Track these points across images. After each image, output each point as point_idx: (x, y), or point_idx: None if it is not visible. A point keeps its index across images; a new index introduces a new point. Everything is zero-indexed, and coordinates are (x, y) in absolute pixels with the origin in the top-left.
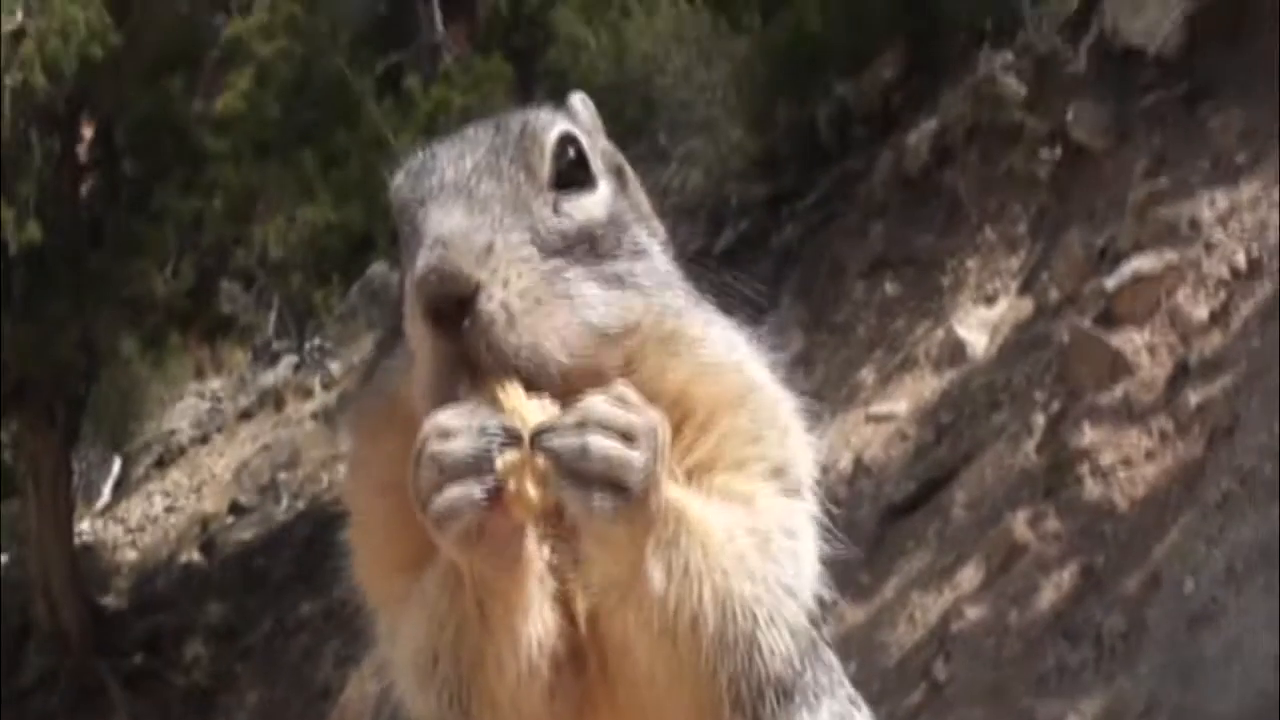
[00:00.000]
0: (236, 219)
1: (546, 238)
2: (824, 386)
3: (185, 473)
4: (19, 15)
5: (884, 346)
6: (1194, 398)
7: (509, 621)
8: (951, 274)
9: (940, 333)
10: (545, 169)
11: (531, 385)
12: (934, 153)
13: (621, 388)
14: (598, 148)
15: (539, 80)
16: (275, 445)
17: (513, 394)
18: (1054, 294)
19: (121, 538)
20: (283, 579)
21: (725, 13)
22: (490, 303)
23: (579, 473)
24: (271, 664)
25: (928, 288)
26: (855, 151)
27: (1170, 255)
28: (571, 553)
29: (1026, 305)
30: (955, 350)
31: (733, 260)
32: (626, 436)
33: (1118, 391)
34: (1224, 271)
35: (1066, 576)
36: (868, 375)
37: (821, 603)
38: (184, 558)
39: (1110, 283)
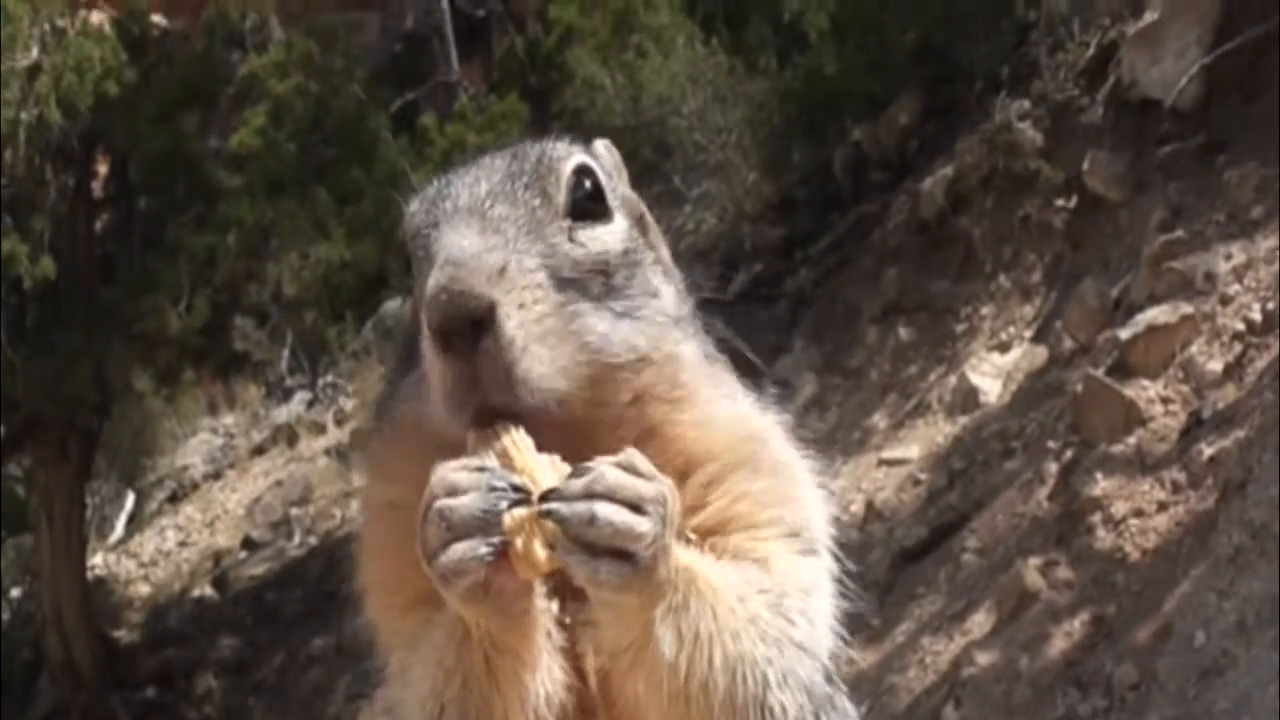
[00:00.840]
0: (250, 255)
1: (560, 265)
2: (836, 430)
3: (198, 508)
4: (34, 51)
5: (897, 391)
6: (1207, 450)
7: (516, 676)
8: (965, 321)
9: (953, 379)
10: (561, 197)
11: (536, 419)
12: (949, 199)
13: (631, 453)
14: (618, 191)
15: (554, 120)
16: (288, 481)
17: (523, 449)
18: (1068, 343)
19: (134, 572)
20: (295, 614)
21: (742, 56)
22: (508, 321)
23: (586, 541)
24: (283, 698)
25: (941, 334)
26: (870, 196)
27: (1185, 307)
28: (581, 610)
29: (1040, 353)
30: (968, 397)
31: (746, 303)
32: (634, 506)
33: (1130, 442)
34: (1238, 325)
35: (1077, 625)
36: (880, 420)
37: (838, 654)
38: (196, 592)
39: (1124, 333)
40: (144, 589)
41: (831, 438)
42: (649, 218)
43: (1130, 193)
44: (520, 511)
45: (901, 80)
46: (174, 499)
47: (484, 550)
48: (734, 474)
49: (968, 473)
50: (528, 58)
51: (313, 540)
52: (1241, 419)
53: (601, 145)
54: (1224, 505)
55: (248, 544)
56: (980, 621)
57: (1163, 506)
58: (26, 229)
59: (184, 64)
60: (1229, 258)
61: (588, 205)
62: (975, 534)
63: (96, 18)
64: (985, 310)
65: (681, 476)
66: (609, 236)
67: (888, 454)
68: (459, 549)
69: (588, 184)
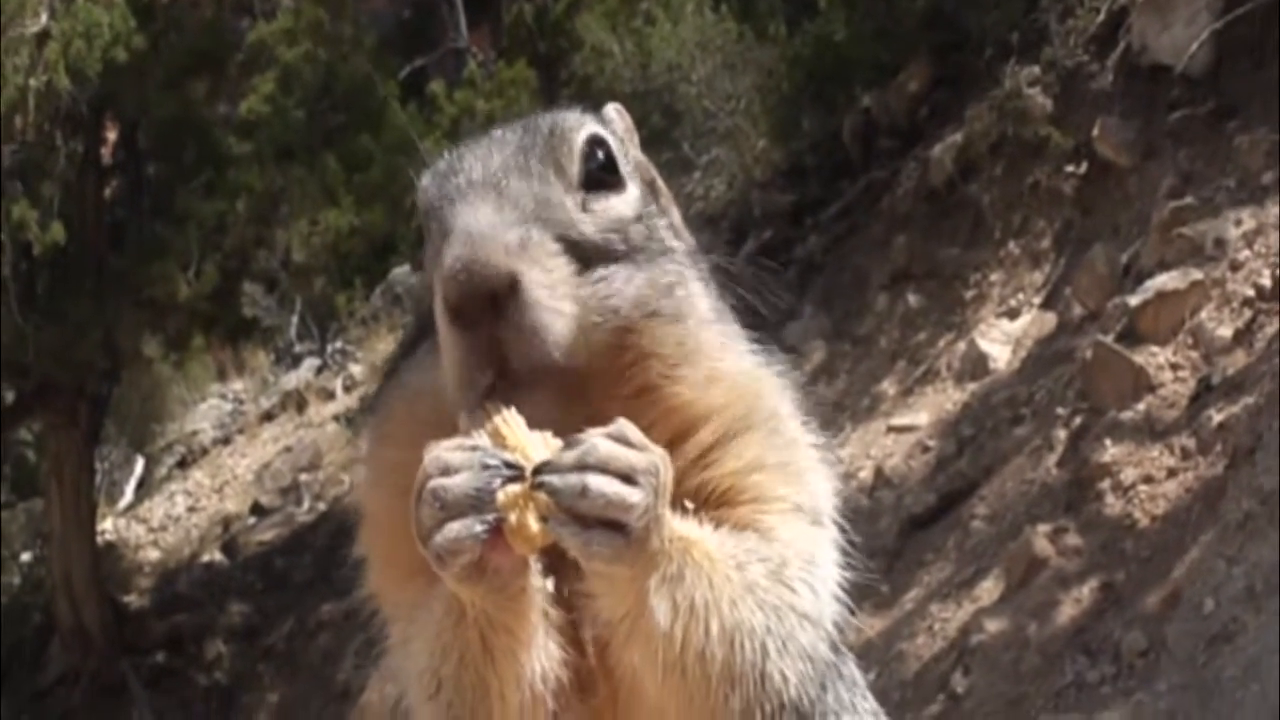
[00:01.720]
0: (259, 222)
1: (575, 235)
2: (845, 397)
3: (208, 473)
4: (44, 18)
5: (906, 358)
6: (1216, 416)
7: (512, 654)
8: (975, 287)
9: (962, 345)
10: (574, 168)
11: (534, 381)
12: (959, 166)
13: (623, 423)
14: (630, 155)
15: (563, 87)
16: (297, 447)
17: (514, 427)
18: (1077, 309)
19: (144, 537)
20: (304, 579)
21: (751, 22)
22: (536, 288)
23: (578, 513)
24: (292, 664)
25: (950, 300)
26: (880, 163)
27: (1194, 273)
28: (577, 584)
29: (1049, 320)
30: (977, 363)
31: (755, 270)
32: (626, 477)
33: (1140, 408)
34: (1248, 290)
35: (1086, 592)
36: (889, 387)
37: (842, 623)
38: (206, 558)
39: (1134, 299)
40: (153, 554)
41: (840, 405)
42: (660, 182)
43: (1140, 159)
44: (514, 488)
45: (911, 47)
46: (183, 464)
47: (478, 528)
48: (736, 440)
49: (977, 439)
50: (536, 24)
51: (322, 506)
52: (1251, 385)
53: (613, 109)
54: (1233, 472)
55: (257, 509)
56: (989, 588)
57: (1172, 473)
58: (36, 195)
59: (193, 30)
60: (1239, 224)
61: (601, 176)
62: (984, 501)
63: None
64: (994, 277)
65: (680, 436)
66: (622, 205)
67: (897, 421)
68: (454, 528)
69: (600, 154)
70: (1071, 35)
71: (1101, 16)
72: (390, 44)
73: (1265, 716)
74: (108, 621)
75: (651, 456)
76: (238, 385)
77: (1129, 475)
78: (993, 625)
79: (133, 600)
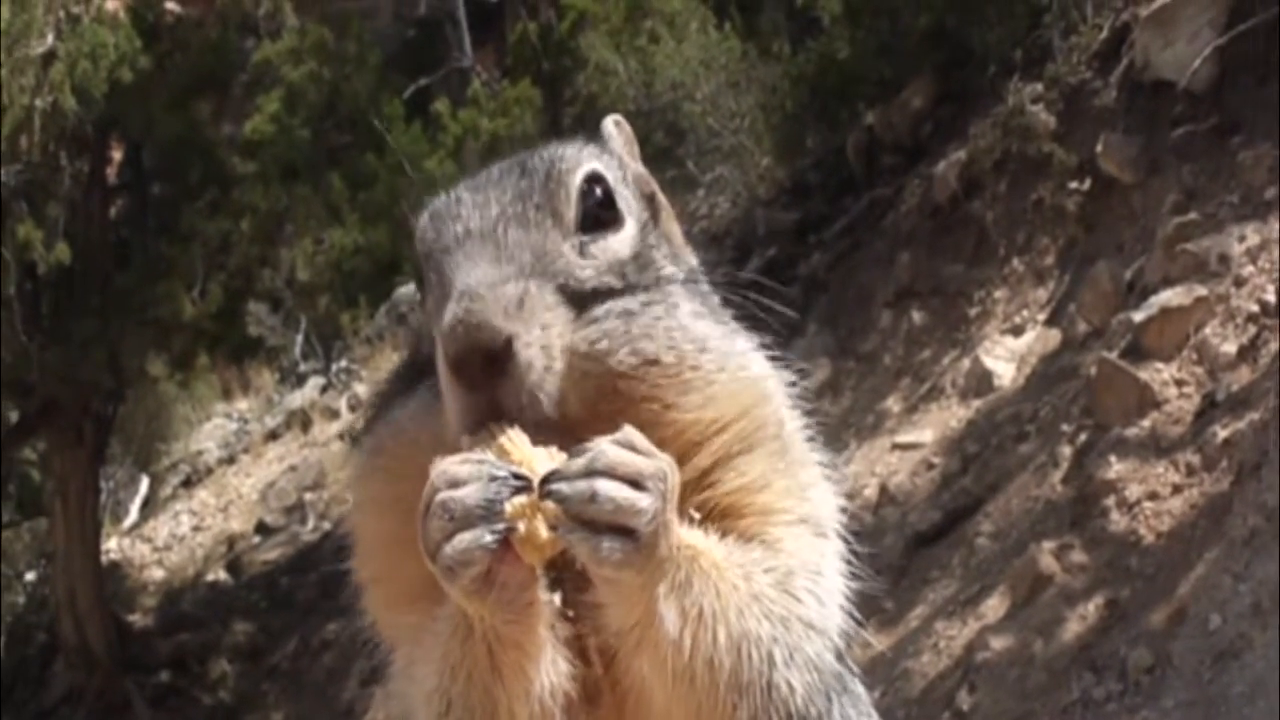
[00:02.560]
0: (264, 241)
1: (573, 283)
2: (850, 415)
3: (212, 492)
4: (49, 38)
5: (910, 375)
6: (1221, 433)
7: (520, 669)
8: (979, 304)
9: (967, 363)
10: (571, 213)
11: (555, 428)
12: (962, 183)
13: (629, 430)
14: (629, 175)
15: (567, 105)
16: (302, 466)
17: (518, 442)
18: (1082, 326)
19: (148, 556)
20: (308, 599)
21: (755, 40)
22: (528, 350)
23: (587, 518)
24: (297, 683)
25: (955, 317)
26: (884, 180)
27: (1199, 289)
28: (585, 595)
29: (1054, 336)
30: (982, 380)
31: (759, 287)
32: (634, 482)
33: (1145, 424)
34: (1252, 307)
35: (1092, 609)
36: (894, 404)
37: (849, 634)
38: (210, 577)
39: (1138, 316)
40: (158, 573)
41: (845, 422)
42: (660, 196)
43: (1144, 175)
44: (521, 499)
45: (914, 64)
46: (188, 484)
47: (488, 538)
48: (739, 458)
49: (981, 456)
50: (541, 43)
51: (326, 525)
52: (1255, 401)
53: (611, 123)
54: (1238, 488)
55: (261, 529)
56: (994, 605)
57: (1177, 489)
58: (41, 215)
59: (198, 50)
60: (1242, 239)
61: (598, 213)
62: (989, 518)
63: (111, 4)
64: (999, 294)
65: (683, 458)
66: (619, 245)
67: (901, 438)
68: (464, 538)
69: (598, 191)
70: (1075, 52)
71: (1105, 33)
72: (395, 63)
73: None
74: (112, 640)
75: (659, 463)
76: (242, 404)
77: (1134, 491)
78: (998, 642)
79: (137, 619)
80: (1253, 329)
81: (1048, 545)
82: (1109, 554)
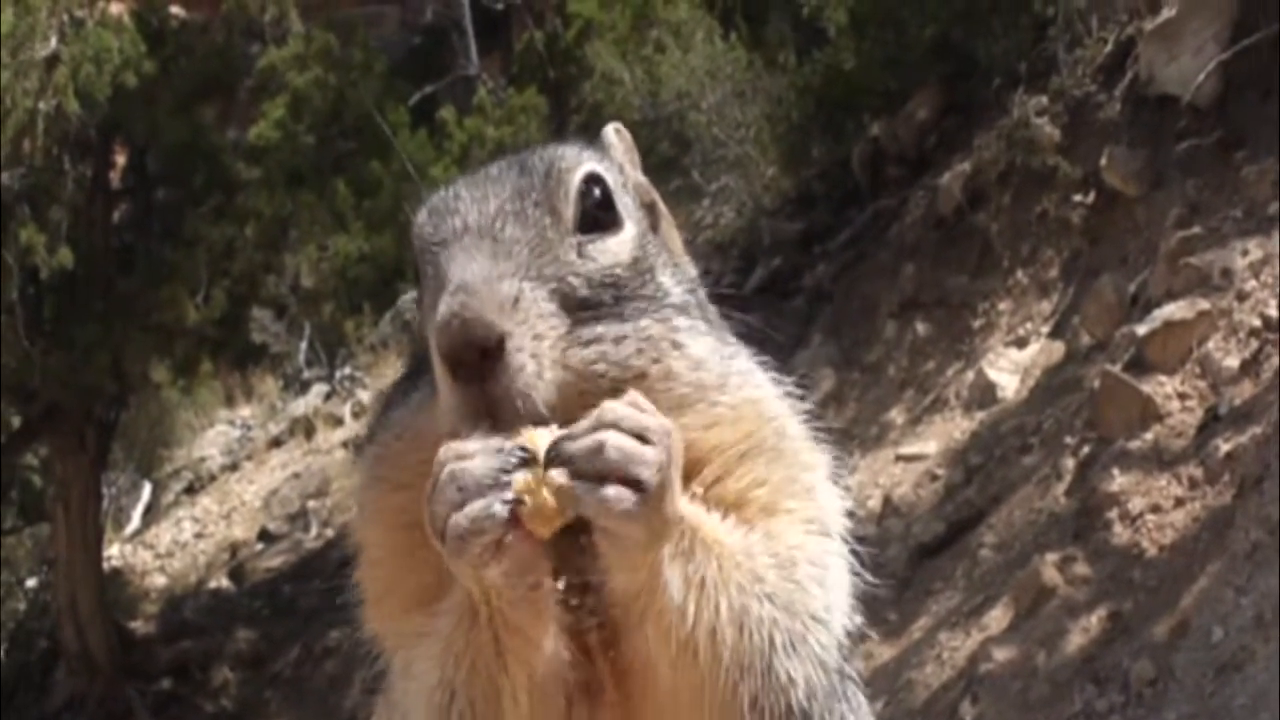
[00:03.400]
0: (268, 247)
1: (571, 284)
2: (854, 425)
3: (215, 499)
4: (53, 41)
5: (914, 387)
6: (1224, 446)
7: (525, 654)
8: (983, 316)
9: (970, 374)
10: (570, 212)
11: (549, 422)
12: (967, 195)
13: (633, 393)
14: (629, 182)
15: (573, 114)
16: (305, 474)
17: (522, 429)
18: (1085, 339)
19: (151, 563)
20: (311, 607)
21: (760, 51)
22: (520, 354)
23: (595, 471)
24: (299, 691)
25: (959, 329)
26: (888, 192)
27: (1202, 303)
28: (590, 576)
29: (1058, 349)
30: (985, 392)
31: (764, 298)
32: (641, 437)
33: (1148, 437)
34: (1255, 321)
35: (1094, 621)
36: (898, 415)
37: (850, 640)
38: (213, 584)
39: (1141, 329)
40: (160, 580)
41: (849, 433)
42: (660, 204)
43: (1148, 188)
44: (527, 474)
45: (920, 76)
46: (191, 490)
47: (498, 506)
48: (748, 463)
49: (985, 468)
50: (547, 51)
51: (329, 533)
52: (1259, 415)
53: (611, 131)
54: (1241, 501)
55: (264, 536)
56: (997, 617)
57: (1180, 502)
58: (44, 219)
59: (202, 55)
60: (1246, 254)
61: (597, 215)
62: (993, 530)
63: (115, 8)
64: (1003, 306)
65: (689, 475)
66: (619, 247)
67: (905, 449)
68: (475, 506)
69: (597, 192)
70: (1079, 65)
71: (1109, 47)
72: (401, 70)
73: None
74: (113, 647)
75: (664, 421)
76: (246, 411)
77: (1137, 504)
78: (1001, 654)
79: (139, 626)
80: (1255, 343)
81: (1051, 557)
82: (1112, 566)
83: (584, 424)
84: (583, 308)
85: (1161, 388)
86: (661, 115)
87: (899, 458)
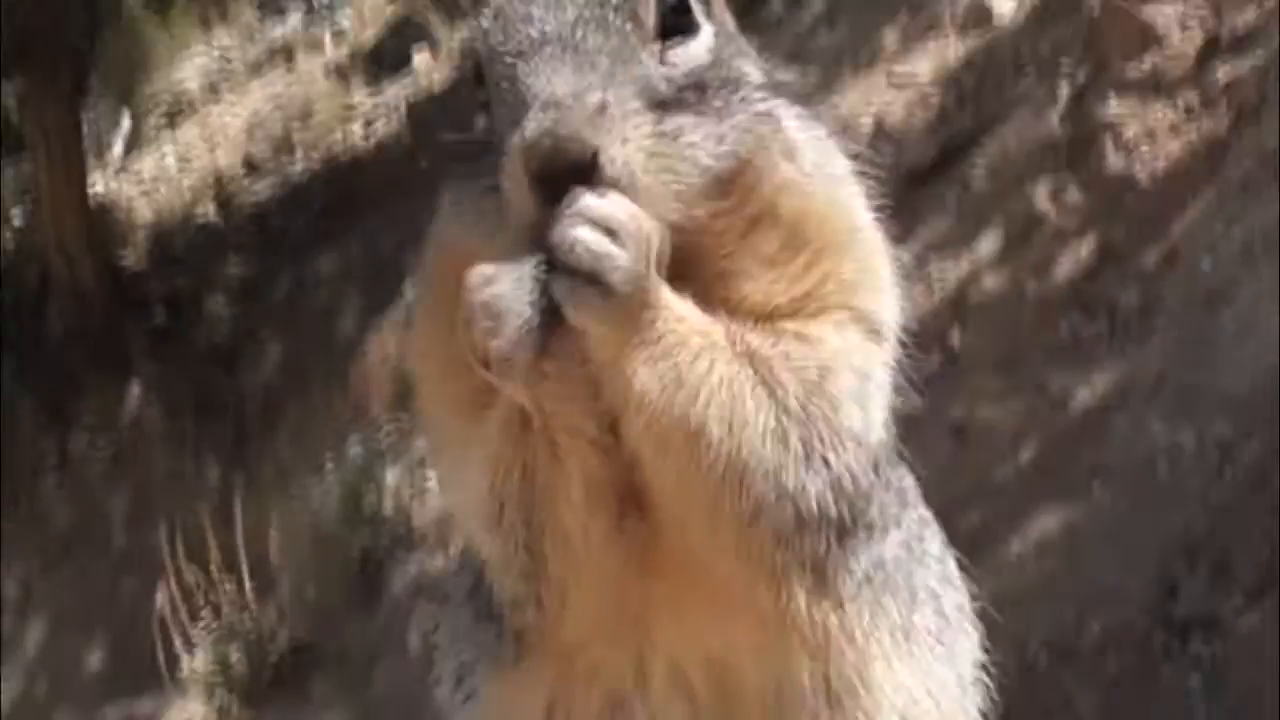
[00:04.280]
0: None
1: (655, 90)
2: (845, 46)
3: (197, 127)
4: None
5: (908, 6)
6: (1223, 73)
7: (579, 453)
8: None
9: None
10: (651, 19)
11: None
12: None
13: (613, 192)
14: None
15: None
16: (287, 100)
17: None
18: None
19: (136, 196)
20: (301, 237)
21: None
22: (614, 165)
23: (570, 267)
24: (293, 321)
25: None
26: None
27: None
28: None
29: None
30: (981, 13)
31: None
32: (610, 232)
33: (1145, 64)
34: None
35: (1084, 249)
36: (890, 36)
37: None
38: (200, 215)
39: None
40: (146, 213)
41: (839, 53)
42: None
43: None
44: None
45: None
46: (171, 118)
47: (531, 311)
48: (825, 259)
49: (979, 92)
50: None
51: (315, 161)
52: (1260, 43)
53: None
54: (1237, 130)
55: (250, 164)
56: (988, 245)
57: (1175, 130)
58: None
59: None
60: None
61: (675, 20)
62: (985, 156)
63: None
64: None
65: (774, 263)
66: (698, 49)
67: (897, 71)
68: (510, 324)
69: None
70: None
71: None
72: None
73: (1258, 375)
74: (105, 281)
75: (639, 221)
76: (225, 40)
77: (1131, 131)
78: (990, 282)
79: (129, 260)
80: None
81: (1043, 184)
82: (1104, 194)
83: (563, 210)
84: (670, 108)
85: (1162, 13)
86: None
87: (890, 80)
